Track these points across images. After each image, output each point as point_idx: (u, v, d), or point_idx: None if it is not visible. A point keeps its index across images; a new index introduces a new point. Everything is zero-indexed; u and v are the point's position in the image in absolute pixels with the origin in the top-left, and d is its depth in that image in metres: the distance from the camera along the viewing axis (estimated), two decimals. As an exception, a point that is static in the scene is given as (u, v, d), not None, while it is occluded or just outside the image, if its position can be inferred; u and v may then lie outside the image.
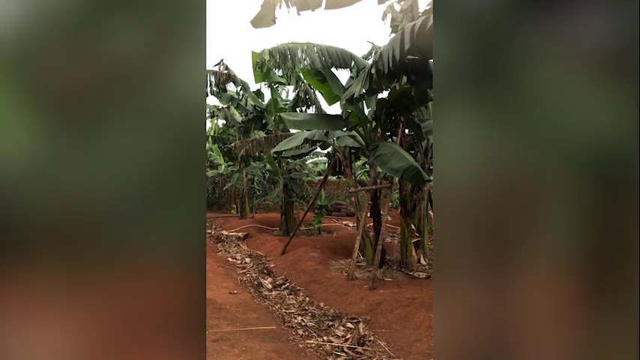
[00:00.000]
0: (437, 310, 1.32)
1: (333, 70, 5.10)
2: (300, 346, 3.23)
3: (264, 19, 3.64)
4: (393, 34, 4.66)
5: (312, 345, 3.26)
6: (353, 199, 6.03)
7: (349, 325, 3.70)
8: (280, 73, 7.61)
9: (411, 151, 5.91)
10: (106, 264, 1.26)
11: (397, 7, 4.86)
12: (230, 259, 6.80)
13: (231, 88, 9.29)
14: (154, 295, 1.28)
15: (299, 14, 3.35)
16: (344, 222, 10.49)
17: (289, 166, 9.03)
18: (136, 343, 1.27)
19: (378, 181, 5.51)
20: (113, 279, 1.27)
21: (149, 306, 1.28)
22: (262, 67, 5.06)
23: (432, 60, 4.13)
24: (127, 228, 1.27)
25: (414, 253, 5.60)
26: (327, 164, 8.56)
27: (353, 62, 5.02)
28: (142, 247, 1.28)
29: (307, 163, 12.42)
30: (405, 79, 4.85)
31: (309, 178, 10.99)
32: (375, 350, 3.17)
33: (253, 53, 7.32)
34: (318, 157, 12.05)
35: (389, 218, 7.90)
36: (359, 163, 10.85)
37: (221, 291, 4.51)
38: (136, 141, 1.27)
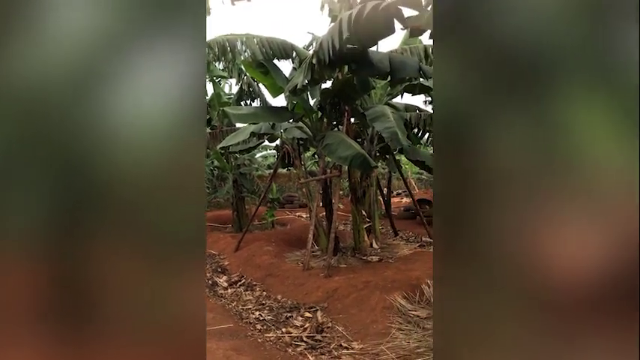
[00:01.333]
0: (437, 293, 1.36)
1: (275, 61, 5.05)
2: (259, 340, 3.22)
3: (198, 10, 3.49)
4: (333, 24, 4.69)
5: (271, 338, 3.26)
6: (304, 190, 6.05)
7: (307, 314, 3.74)
8: (221, 66, 7.39)
9: (358, 139, 6.02)
10: (101, 266, 1.27)
11: (334, -3, 4.89)
12: (182, 261, 6.57)
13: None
14: (153, 296, 1.29)
15: (234, 4, 3.26)
16: (297, 213, 10.52)
17: (238, 161, 8.85)
18: (135, 345, 1.27)
19: (328, 170, 5.57)
20: (108, 281, 1.27)
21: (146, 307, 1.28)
22: (201, 61, 4.87)
23: (371, 48, 4.21)
24: (125, 226, 1.28)
25: (366, 238, 5.74)
26: (276, 157, 8.51)
27: (294, 53, 5.00)
28: (140, 246, 1.29)
29: (256, 157, 12.26)
30: (346, 68, 4.91)
31: (260, 172, 10.85)
32: (333, 336, 3.24)
33: (191, 46, 7.04)
34: (267, 150, 11.92)
35: (340, 206, 8.04)
36: (308, 154, 10.87)
37: (174, 294, 4.36)
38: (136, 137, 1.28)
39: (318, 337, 3.22)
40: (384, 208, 7.80)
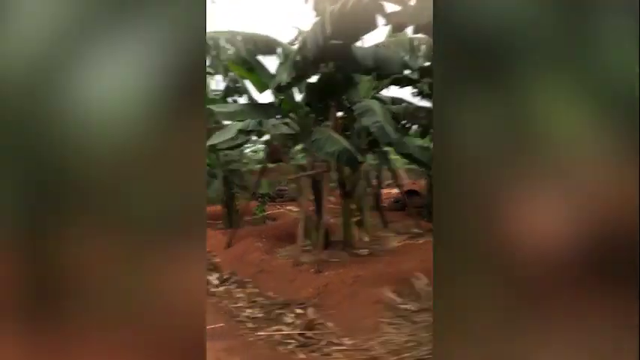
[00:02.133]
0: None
1: (260, 57, 5.00)
2: (250, 339, 3.24)
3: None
4: (316, 19, 4.65)
5: (263, 337, 3.28)
6: (294, 184, 6.05)
7: (298, 311, 3.76)
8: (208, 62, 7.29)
9: (347, 132, 6.01)
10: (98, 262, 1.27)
11: (318, -10, 4.83)
12: (173, 260, 6.55)
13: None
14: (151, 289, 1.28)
15: (214, 2, 3.21)
16: (288, 207, 10.52)
17: (227, 157, 8.80)
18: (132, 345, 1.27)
19: (317, 164, 5.56)
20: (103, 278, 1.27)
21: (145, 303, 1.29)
22: (185, 58, 4.79)
23: (355, 43, 4.19)
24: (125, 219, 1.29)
25: (356, 231, 5.78)
26: (265, 152, 8.50)
27: (280, 49, 4.95)
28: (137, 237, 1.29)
29: (246, 152, 12.17)
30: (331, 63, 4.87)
31: (250, 167, 10.80)
32: (324, 333, 3.27)
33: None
34: (256, 144, 11.84)
35: (331, 199, 8.05)
36: (298, 147, 10.85)
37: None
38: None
39: (310, 334, 3.25)
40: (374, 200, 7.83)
